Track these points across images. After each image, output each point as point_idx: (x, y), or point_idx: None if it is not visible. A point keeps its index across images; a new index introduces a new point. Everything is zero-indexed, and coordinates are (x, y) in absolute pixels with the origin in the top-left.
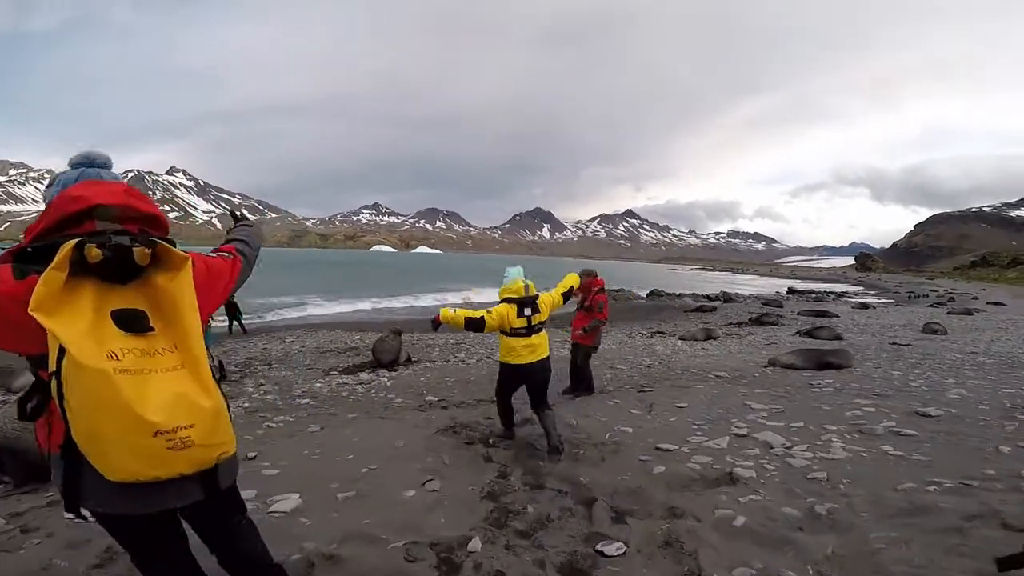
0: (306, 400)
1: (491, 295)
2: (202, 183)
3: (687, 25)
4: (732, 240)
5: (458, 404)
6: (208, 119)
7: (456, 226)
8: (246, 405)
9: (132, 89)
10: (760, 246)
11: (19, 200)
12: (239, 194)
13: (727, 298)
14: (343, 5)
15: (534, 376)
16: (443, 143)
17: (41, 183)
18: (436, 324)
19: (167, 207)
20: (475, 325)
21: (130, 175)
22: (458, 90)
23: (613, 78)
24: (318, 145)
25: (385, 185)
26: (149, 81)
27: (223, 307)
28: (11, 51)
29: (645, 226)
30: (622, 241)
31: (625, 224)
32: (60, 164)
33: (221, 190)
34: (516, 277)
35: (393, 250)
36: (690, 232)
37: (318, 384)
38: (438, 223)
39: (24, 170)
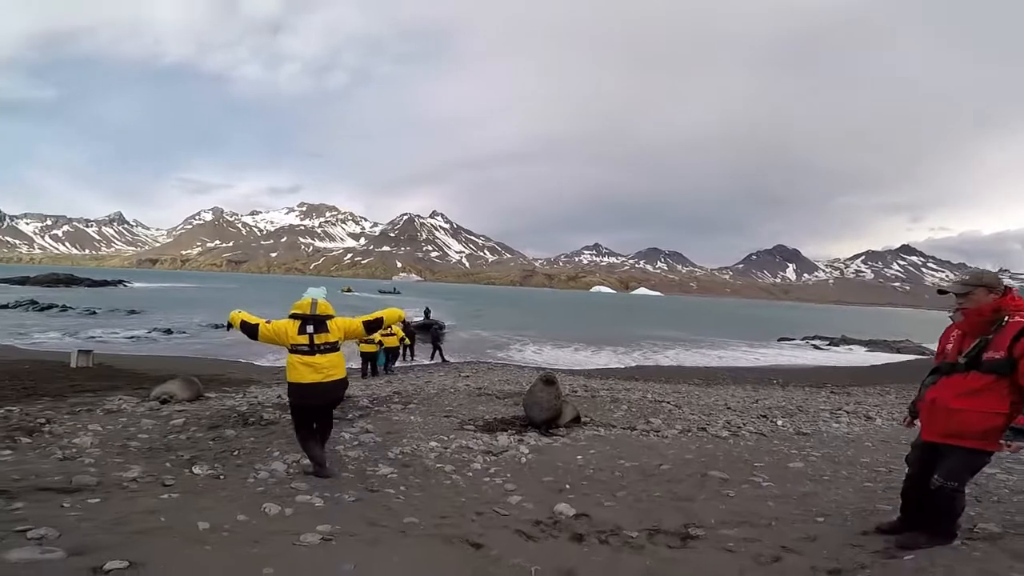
0: (388, 470)
1: (696, 358)
2: (456, 225)
3: (954, 29)
4: None
5: (606, 535)
6: (457, 166)
7: (679, 266)
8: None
9: (398, 138)
10: None
11: (331, 238)
12: (482, 236)
13: None
14: (564, 51)
15: (315, 397)
16: (662, 180)
17: (347, 225)
18: (228, 325)
19: (429, 247)
20: (248, 330)
21: (404, 218)
22: (676, 123)
23: (864, 94)
24: (544, 188)
25: (604, 225)
26: (410, 130)
27: (431, 338)
28: (315, 108)
29: (931, 264)
30: (897, 284)
31: (901, 262)
32: (360, 209)
33: (470, 232)
34: (308, 296)
35: (612, 291)
36: (1001, 271)
37: (432, 443)
38: (659, 264)
39: (335, 212)
